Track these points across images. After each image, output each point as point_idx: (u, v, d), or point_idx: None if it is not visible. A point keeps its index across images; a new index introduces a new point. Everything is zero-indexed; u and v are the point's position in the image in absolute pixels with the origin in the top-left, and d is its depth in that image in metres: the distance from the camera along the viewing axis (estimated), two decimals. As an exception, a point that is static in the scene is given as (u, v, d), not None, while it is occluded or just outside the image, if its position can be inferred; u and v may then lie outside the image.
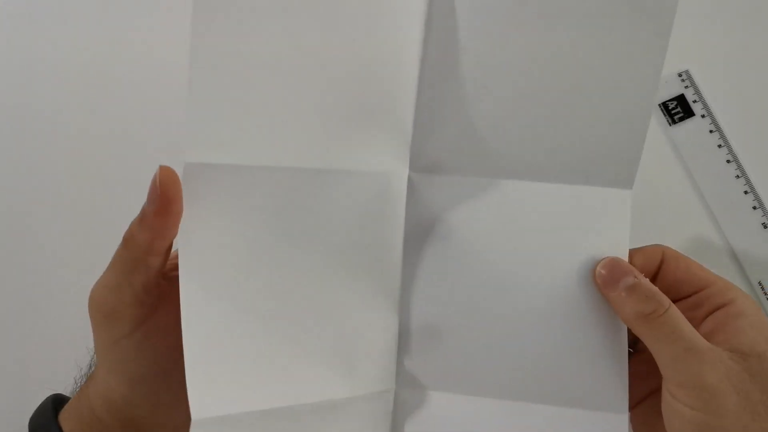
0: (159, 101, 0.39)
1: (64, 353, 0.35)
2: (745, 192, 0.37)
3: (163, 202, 0.23)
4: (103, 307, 0.25)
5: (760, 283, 0.36)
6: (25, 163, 0.38)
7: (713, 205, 0.37)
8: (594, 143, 0.28)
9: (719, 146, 0.38)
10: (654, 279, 0.28)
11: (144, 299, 0.25)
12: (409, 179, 0.28)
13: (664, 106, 0.39)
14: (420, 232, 0.28)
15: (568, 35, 0.27)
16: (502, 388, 0.28)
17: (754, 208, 0.37)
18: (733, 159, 0.38)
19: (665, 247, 0.29)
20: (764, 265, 0.36)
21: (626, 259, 0.28)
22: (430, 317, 0.28)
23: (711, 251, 0.37)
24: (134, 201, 0.38)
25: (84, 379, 0.29)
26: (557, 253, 0.28)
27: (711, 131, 0.38)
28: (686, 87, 0.39)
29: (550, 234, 0.28)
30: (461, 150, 0.28)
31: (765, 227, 0.37)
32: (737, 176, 0.37)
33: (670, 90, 0.39)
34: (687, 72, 0.40)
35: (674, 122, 0.39)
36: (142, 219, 0.24)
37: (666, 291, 0.28)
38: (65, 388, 0.30)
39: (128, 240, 0.25)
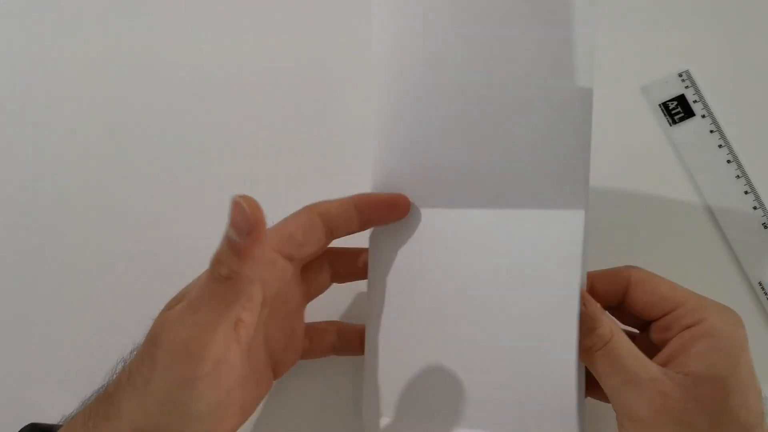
0: (160, 102, 0.39)
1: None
2: (746, 192, 0.37)
3: (258, 229, 0.23)
4: (192, 345, 0.23)
5: (760, 283, 0.36)
6: (30, 163, 0.39)
7: (713, 205, 0.37)
8: (543, 166, 0.28)
9: (720, 146, 0.38)
10: (621, 303, 0.28)
11: (231, 337, 0.24)
12: None
13: (665, 106, 0.39)
14: (386, 265, 0.30)
15: (500, 61, 0.28)
16: None
17: (755, 208, 0.37)
18: (733, 159, 0.38)
19: (633, 268, 0.29)
20: (764, 266, 0.36)
21: (580, 281, 0.27)
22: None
23: (711, 251, 0.36)
24: (135, 202, 0.38)
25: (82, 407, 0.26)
26: (511, 278, 0.28)
27: (711, 131, 0.38)
28: (686, 87, 0.39)
29: (504, 259, 0.28)
30: (419, 183, 0.29)
31: (765, 227, 0.37)
32: (737, 176, 0.37)
33: (671, 90, 0.39)
34: (687, 72, 0.39)
35: (674, 122, 0.39)
36: (241, 253, 0.23)
37: (638, 314, 0.28)
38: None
39: (230, 276, 0.23)
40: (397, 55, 0.29)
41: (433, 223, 0.29)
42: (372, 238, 0.30)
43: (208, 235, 0.36)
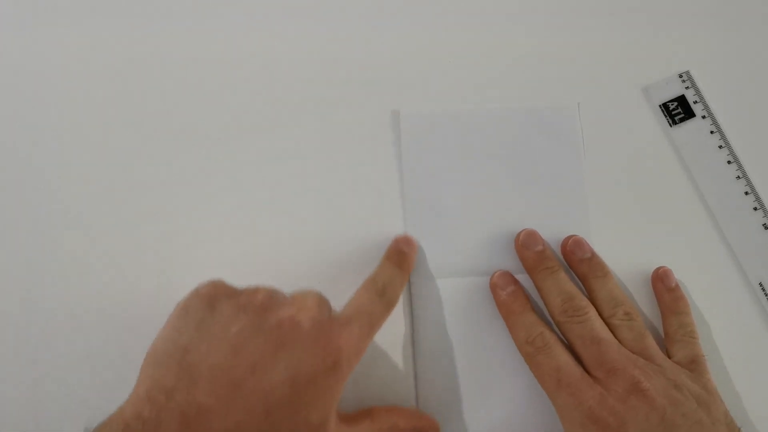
0: (162, 102, 0.39)
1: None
2: (746, 193, 0.37)
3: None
4: (357, 357, 0.28)
5: (760, 284, 0.36)
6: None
7: (713, 206, 0.37)
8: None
9: (720, 147, 0.38)
10: None
11: None
12: (410, 284, 0.35)
13: (665, 107, 0.39)
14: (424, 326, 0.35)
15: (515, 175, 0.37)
16: None
17: (755, 209, 0.37)
18: (733, 160, 0.38)
19: None
20: (765, 266, 0.36)
21: None
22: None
23: (711, 252, 0.37)
24: (139, 203, 0.37)
25: None
26: None
27: (712, 132, 0.38)
28: (687, 88, 0.39)
29: None
30: (450, 258, 0.36)
31: (765, 228, 0.37)
32: (738, 177, 0.37)
33: (671, 91, 0.39)
34: (687, 73, 0.40)
35: (675, 123, 0.39)
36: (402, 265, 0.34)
37: None
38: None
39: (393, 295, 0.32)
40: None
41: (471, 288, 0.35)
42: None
43: (209, 235, 0.37)
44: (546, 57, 0.40)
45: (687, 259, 0.36)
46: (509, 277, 0.34)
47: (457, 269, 0.35)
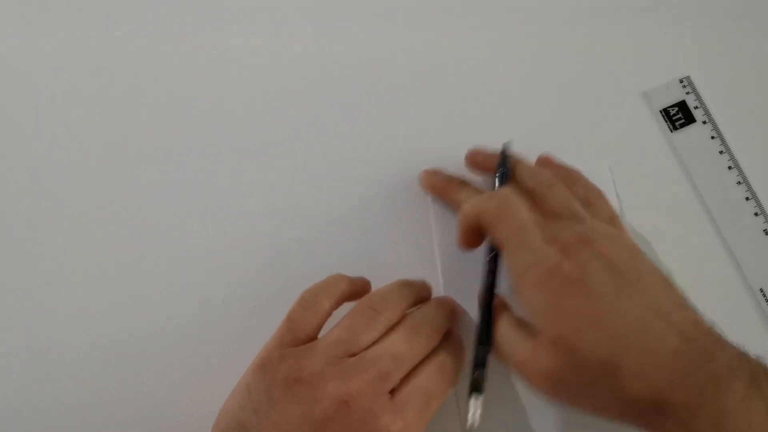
0: (166, 103, 0.39)
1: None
2: (747, 198, 0.37)
3: None
4: None
5: (761, 290, 0.36)
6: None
7: (714, 212, 0.37)
8: None
9: (720, 152, 0.38)
10: None
11: None
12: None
13: (666, 113, 0.39)
14: None
15: None
16: None
17: (756, 214, 0.37)
18: (734, 165, 0.38)
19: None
20: (765, 272, 0.36)
21: None
22: None
23: (712, 257, 0.36)
24: (142, 206, 0.37)
25: None
26: None
27: (712, 137, 0.38)
28: (687, 93, 0.39)
29: None
30: None
31: (766, 233, 0.37)
32: (738, 182, 0.37)
33: (672, 96, 0.39)
34: (688, 78, 0.40)
35: (675, 128, 0.39)
36: None
37: None
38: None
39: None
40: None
41: None
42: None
43: (208, 235, 0.37)
44: (546, 59, 0.40)
45: (688, 264, 0.36)
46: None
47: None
